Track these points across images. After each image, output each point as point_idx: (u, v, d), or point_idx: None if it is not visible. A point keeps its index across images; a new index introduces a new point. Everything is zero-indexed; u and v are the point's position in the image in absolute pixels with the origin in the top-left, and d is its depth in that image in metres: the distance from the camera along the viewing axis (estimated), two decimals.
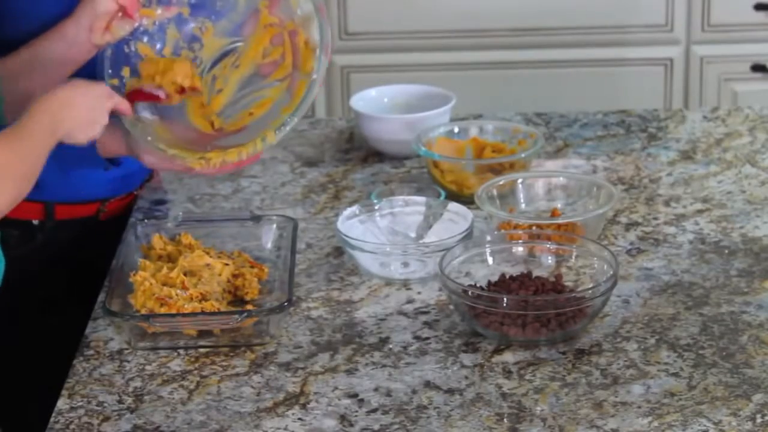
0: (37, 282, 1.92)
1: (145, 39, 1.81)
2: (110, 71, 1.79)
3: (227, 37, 1.85)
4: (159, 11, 1.81)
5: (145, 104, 1.80)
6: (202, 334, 1.65)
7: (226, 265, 1.74)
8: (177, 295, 1.66)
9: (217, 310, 1.66)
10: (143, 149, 1.79)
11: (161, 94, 1.77)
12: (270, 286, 1.76)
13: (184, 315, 1.63)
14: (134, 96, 1.76)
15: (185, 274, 1.71)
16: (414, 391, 1.54)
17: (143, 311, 1.65)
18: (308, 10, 1.82)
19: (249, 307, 1.71)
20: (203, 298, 1.67)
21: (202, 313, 1.64)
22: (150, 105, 1.80)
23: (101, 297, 1.76)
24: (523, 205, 1.95)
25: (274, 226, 1.85)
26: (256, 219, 1.86)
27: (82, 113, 1.63)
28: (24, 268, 1.87)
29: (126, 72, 1.79)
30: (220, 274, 1.72)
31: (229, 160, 1.76)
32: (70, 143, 1.64)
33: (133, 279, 1.69)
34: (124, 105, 1.71)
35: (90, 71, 1.79)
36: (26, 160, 1.56)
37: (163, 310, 1.64)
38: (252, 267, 1.76)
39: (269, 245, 1.83)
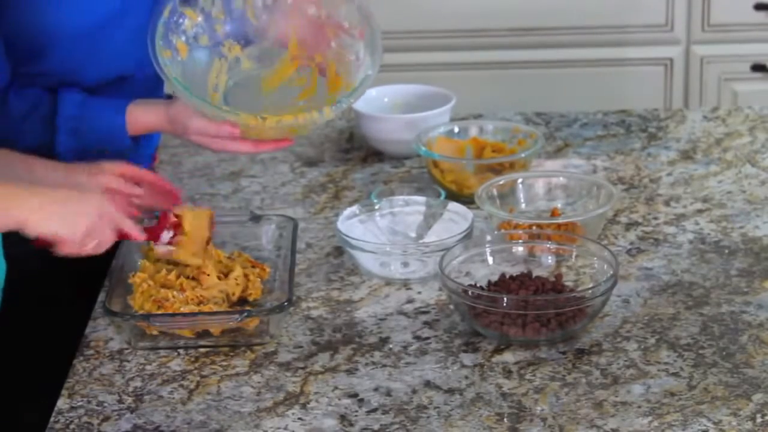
0: (38, 282, 1.92)
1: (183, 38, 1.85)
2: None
3: (254, 62, 1.88)
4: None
5: None
6: (202, 334, 1.65)
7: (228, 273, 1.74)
8: (174, 297, 1.66)
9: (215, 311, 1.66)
10: (191, 114, 1.78)
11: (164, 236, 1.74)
12: (270, 286, 1.76)
13: (184, 315, 1.63)
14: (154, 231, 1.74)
15: (187, 277, 1.70)
16: (414, 391, 1.54)
17: (141, 312, 1.66)
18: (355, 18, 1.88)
19: (249, 307, 1.71)
20: (200, 301, 1.67)
21: (202, 313, 1.64)
22: None
23: (101, 297, 1.76)
24: (523, 205, 1.95)
25: (274, 225, 1.85)
26: (256, 219, 1.85)
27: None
28: (24, 268, 1.87)
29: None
30: (226, 276, 1.73)
31: (285, 123, 1.76)
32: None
33: (132, 280, 1.69)
34: (121, 227, 1.63)
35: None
36: None
37: (160, 311, 1.64)
38: (253, 267, 1.76)
39: (269, 245, 1.83)
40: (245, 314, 1.63)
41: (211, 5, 1.90)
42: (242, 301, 1.73)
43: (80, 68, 1.86)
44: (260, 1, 1.93)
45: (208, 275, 1.70)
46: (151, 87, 1.96)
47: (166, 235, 1.72)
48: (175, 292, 1.67)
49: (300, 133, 1.86)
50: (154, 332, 1.65)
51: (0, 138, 1.81)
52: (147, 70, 1.88)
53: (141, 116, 1.83)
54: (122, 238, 1.65)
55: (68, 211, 1.56)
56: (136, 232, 1.65)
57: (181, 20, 1.86)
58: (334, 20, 1.90)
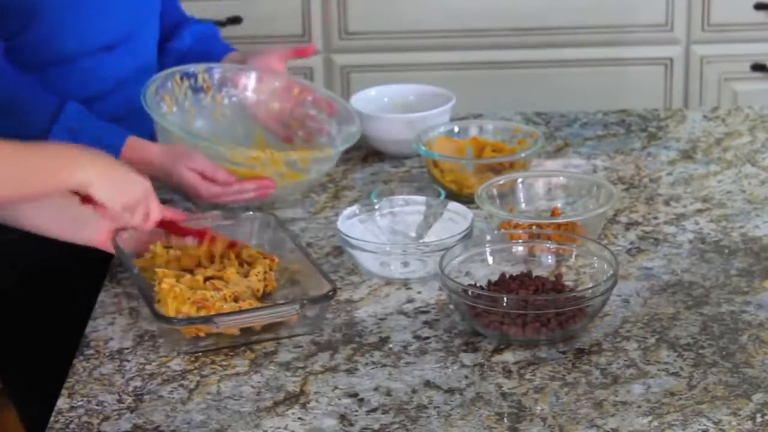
0: (38, 282, 1.92)
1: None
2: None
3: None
4: None
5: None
6: (245, 331, 1.64)
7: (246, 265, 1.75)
8: (212, 296, 1.66)
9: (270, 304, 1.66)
10: (190, 150, 1.84)
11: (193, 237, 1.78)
12: (277, 278, 1.75)
13: (249, 311, 1.62)
14: (169, 225, 1.76)
15: (208, 279, 1.71)
16: (414, 391, 1.54)
17: (180, 317, 1.63)
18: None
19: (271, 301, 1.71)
20: (236, 298, 1.67)
21: (262, 307, 1.64)
22: None
23: (101, 297, 1.76)
24: (523, 205, 1.95)
25: (257, 222, 1.84)
26: (232, 216, 1.84)
27: (119, 179, 1.63)
28: (24, 269, 1.87)
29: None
30: (246, 276, 1.73)
31: (294, 157, 1.90)
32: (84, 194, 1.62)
33: (158, 288, 1.67)
34: (154, 211, 1.69)
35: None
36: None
37: (202, 312, 1.63)
38: (264, 258, 1.76)
39: (253, 242, 1.82)
40: (305, 302, 1.62)
41: (184, 98, 2.02)
42: (265, 294, 1.73)
43: (69, 34, 1.85)
44: (227, 100, 2.05)
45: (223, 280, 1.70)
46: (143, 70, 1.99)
47: (190, 242, 1.76)
48: (211, 292, 1.66)
49: (288, 184, 1.94)
50: (202, 334, 1.62)
51: None
52: (134, 43, 1.92)
53: (138, 143, 1.85)
54: (164, 220, 1.73)
55: (122, 179, 1.63)
56: (177, 215, 1.76)
57: (162, 103, 1.97)
58: (299, 111, 2.04)
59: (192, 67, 2.04)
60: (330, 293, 1.64)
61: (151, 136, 1.97)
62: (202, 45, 2.12)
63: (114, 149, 1.84)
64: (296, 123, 2.05)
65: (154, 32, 2.01)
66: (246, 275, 1.73)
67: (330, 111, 2.03)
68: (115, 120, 1.90)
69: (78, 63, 1.88)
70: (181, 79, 2.02)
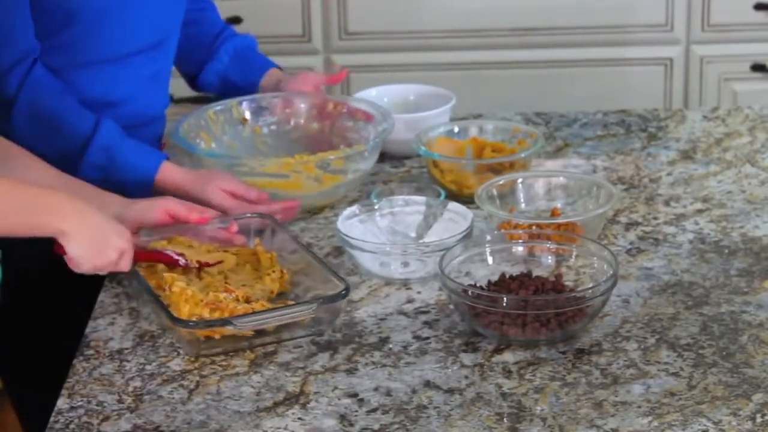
0: (38, 282, 1.91)
1: None
2: None
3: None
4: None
5: None
6: (260, 332, 1.63)
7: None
8: (225, 298, 1.65)
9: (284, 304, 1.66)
10: (217, 176, 1.87)
11: (181, 260, 1.74)
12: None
13: (265, 312, 1.62)
14: (150, 255, 1.74)
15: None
16: (414, 391, 1.54)
17: (196, 320, 1.63)
18: None
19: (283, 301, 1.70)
20: (249, 299, 1.67)
21: (280, 307, 1.63)
22: None
23: (101, 297, 1.76)
24: (522, 205, 1.95)
25: (256, 223, 1.84)
26: (231, 217, 1.83)
27: (91, 236, 1.61)
28: (24, 268, 1.87)
29: None
30: (260, 278, 1.73)
31: (325, 158, 1.93)
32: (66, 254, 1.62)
33: (169, 293, 1.66)
34: (124, 264, 1.65)
35: None
36: None
37: (216, 314, 1.63)
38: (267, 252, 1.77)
39: (253, 243, 1.82)
40: (321, 301, 1.62)
41: (222, 133, 2.06)
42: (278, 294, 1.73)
43: (104, 37, 1.86)
44: (266, 129, 2.09)
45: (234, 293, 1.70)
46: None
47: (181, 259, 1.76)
48: (224, 294, 1.66)
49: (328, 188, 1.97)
50: (216, 337, 1.62)
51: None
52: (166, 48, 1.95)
53: (171, 168, 1.89)
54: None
55: (99, 241, 1.61)
56: (190, 210, 1.76)
57: (198, 140, 2.02)
58: (338, 125, 2.08)
59: (223, 103, 2.08)
60: (344, 292, 1.64)
61: (159, 146, 2.01)
62: (240, 63, 2.15)
63: (147, 171, 1.86)
64: (338, 138, 2.08)
65: (176, 39, 2.02)
66: (259, 278, 1.73)
67: (366, 118, 2.06)
68: (134, 126, 1.91)
69: (105, 67, 1.88)
70: (215, 114, 2.06)
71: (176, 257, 1.74)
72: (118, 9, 1.85)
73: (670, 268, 1.80)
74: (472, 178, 2.00)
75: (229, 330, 1.61)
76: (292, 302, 1.67)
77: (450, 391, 1.54)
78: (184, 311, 1.63)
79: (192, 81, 2.17)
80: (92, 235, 1.60)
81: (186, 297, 1.64)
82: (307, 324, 1.65)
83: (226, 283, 1.70)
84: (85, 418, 1.51)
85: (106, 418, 1.51)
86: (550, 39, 3.18)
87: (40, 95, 1.83)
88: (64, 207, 1.58)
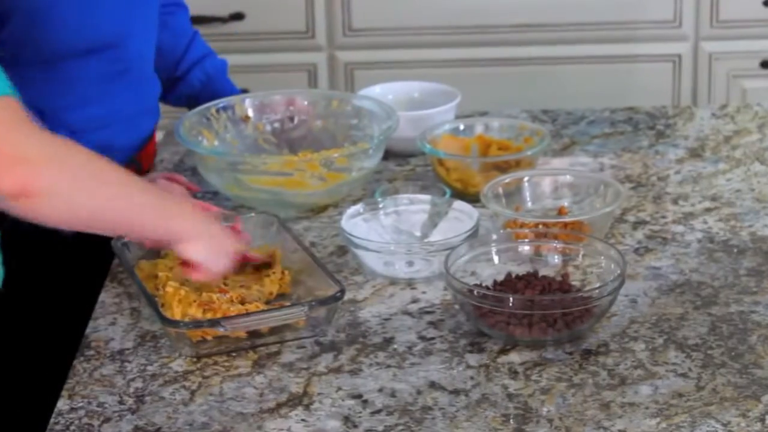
0: (38, 282, 1.91)
1: None
2: None
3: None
4: None
5: None
6: (253, 334, 1.62)
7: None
8: (218, 299, 1.64)
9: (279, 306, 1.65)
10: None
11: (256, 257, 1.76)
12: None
13: (255, 313, 1.61)
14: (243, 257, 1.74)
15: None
16: (419, 392, 1.53)
17: (187, 320, 1.61)
18: None
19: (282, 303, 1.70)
20: (243, 300, 1.65)
21: (270, 310, 1.62)
22: None
23: (102, 297, 1.75)
24: (529, 204, 1.94)
25: (260, 222, 1.82)
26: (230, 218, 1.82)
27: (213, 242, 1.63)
28: (24, 268, 1.86)
29: None
30: (259, 279, 1.72)
31: (329, 156, 1.92)
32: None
33: (163, 292, 1.65)
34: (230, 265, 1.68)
35: None
36: (102, 209, 1.52)
37: (208, 315, 1.61)
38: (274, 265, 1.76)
39: (256, 242, 1.81)
40: (313, 304, 1.61)
41: (225, 131, 2.05)
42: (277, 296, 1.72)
43: (44, 36, 1.85)
44: (269, 126, 2.09)
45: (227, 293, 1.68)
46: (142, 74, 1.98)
47: None
48: (217, 294, 1.65)
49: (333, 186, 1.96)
50: (209, 338, 1.61)
51: None
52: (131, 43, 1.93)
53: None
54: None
55: (216, 248, 1.63)
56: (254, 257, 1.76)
57: (201, 137, 2.02)
58: (342, 122, 2.07)
59: (225, 100, 2.07)
60: (338, 294, 1.62)
61: (141, 143, 2.00)
62: (209, 91, 2.15)
63: None
64: (341, 135, 2.07)
65: (145, 41, 1.99)
66: (258, 279, 1.72)
67: (370, 115, 2.05)
68: (101, 128, 1.90)
69: (59, 65, 1.87)
70: (218, 111, 2.05)
71: (258, 257, 1.75)
72: (50, 8, 1.83)
73: (679, 267, 1.79)
74: (477, 177, 1.99)
75: (219, 332, 1.59)
76: (287, 304, 1.66)
77: (455, 392, 1.53)
78: (176, 311, 1.62)
79: (163, 94, 2.16)
80: (210, 242, 1.62)
81: (179, 297, 1.63)
82: (304, 326, 1.63)
83: (224, 283, 1.69)
84: (85, 420, 1.50)
85: (107, 420, 1.50)
86: (557, 35, 3.17)
87: None
88: (193, 214, 1.62)
